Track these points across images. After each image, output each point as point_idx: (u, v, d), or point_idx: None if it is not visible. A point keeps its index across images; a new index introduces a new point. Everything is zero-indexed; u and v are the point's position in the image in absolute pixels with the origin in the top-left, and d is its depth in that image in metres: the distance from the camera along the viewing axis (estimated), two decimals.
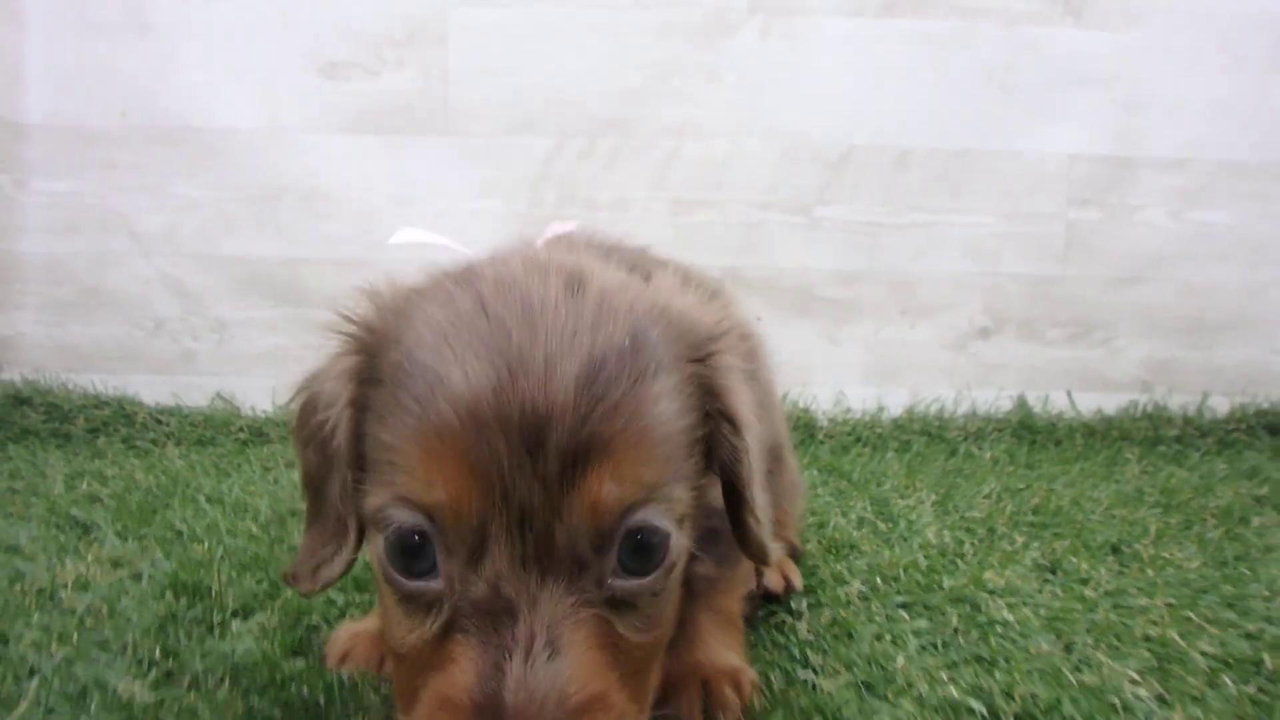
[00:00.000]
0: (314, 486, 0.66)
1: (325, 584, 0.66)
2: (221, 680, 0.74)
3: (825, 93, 2.27)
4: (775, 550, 0.72)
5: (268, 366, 2.28)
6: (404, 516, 0.53)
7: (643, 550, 0.55)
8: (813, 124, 2.28)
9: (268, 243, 2.24)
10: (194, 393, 2.24)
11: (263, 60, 2.19)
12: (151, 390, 2.21)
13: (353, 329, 0.63)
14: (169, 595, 0.93)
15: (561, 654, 0.50)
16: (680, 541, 0.58)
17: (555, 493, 0.51)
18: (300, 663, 0.78)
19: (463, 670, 0.50)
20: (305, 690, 0.72)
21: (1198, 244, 2.36)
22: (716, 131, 2.27)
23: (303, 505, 0.70)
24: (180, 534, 1.20)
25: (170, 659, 0.78)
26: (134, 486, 1.49)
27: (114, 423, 2.03)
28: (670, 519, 0.56)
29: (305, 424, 0.66)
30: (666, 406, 0.56)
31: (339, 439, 0.60)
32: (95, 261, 2.23)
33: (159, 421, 2.06)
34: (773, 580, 1.00)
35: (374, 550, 0.57)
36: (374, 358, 0.60)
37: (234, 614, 0.90)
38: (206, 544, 1.13)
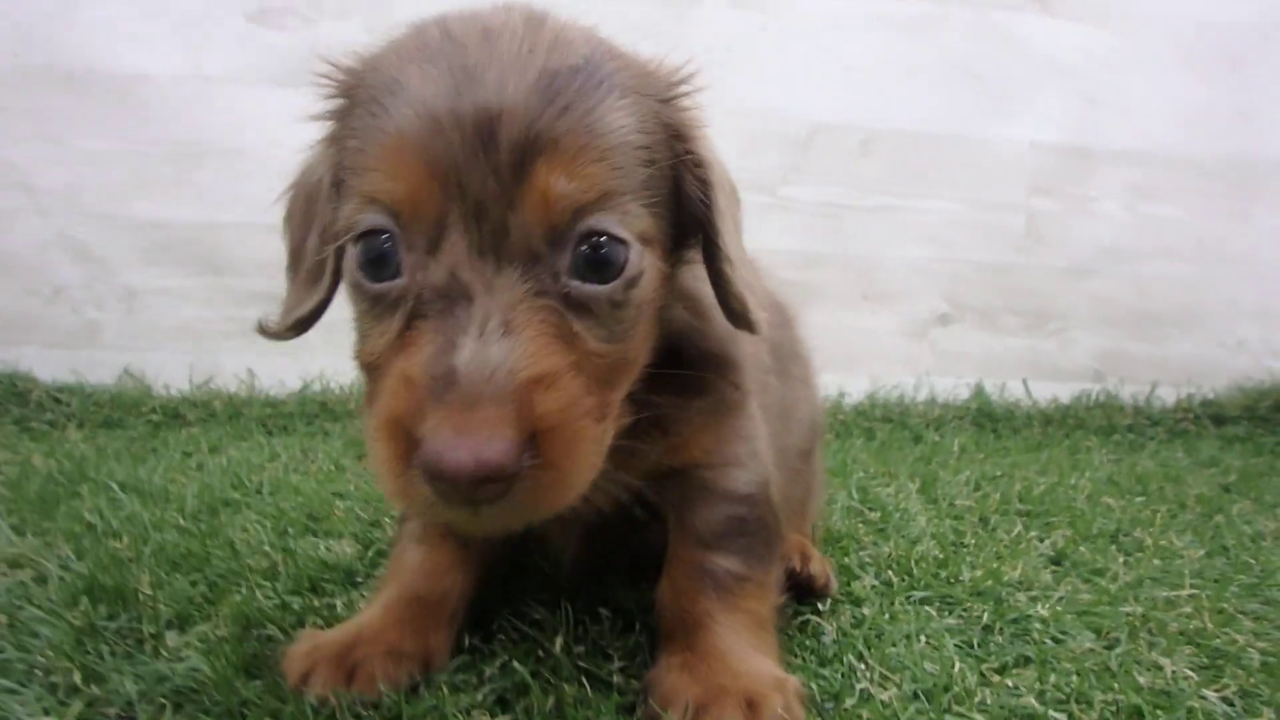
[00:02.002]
0: (296, 253, 0.70)
1: (295, 323, 0.69)
2: (163, 710, 0.59)
3: (793, 70, 2.21)
4: (758, 311, 0.69)
5: (184, 341, 2.06)
6: (370, 218, 0.56)
7: (601, 260, 0.57)
8: (779, 101, 2.21)
9: (185, 205, 2.02)
10: (98, 369, 2.00)
11: (182, 0, 1.96)
12: (48, 365, 1.96)
13: (334, 73, 0.64)
14: (85, 602, 0.76)
15: (515, 334, 0.52)
16: (642, 260, 0.59)
17: (508, 184, 0.53)
18: (259, 684, 0.64)
19: (420, 349, 0.53)
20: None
21: (1149, 238, 2.42)
22: None
23: (287, 279, 0.73)
24: (92, 527, 1.02)
25: (93, 684, 0.62)
26: (31, 472, 1.29)
27: (4, 401, 1.79)
28: (627, 230, 0.58)
29: (294, 198, 0.71)
30: (620, 120, 0.58)
31: (320, 175, 0.65)
32: None
33: (57, 400, 1.83)
34: (816, 569, 0.90)
35: (347, 268, 0.60)
36: (352, 89, 0.62)
37: (168, 624, 0.75)
38: (126, 539, 0.96)
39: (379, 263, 0.57)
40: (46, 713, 0.57)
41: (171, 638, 0.71)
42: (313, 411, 1.90)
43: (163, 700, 0.61)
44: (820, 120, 2.23)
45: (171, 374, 2.02)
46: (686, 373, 0.70)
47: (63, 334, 2.02)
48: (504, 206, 0.53)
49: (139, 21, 1.94)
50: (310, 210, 0.68)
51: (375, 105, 0.57)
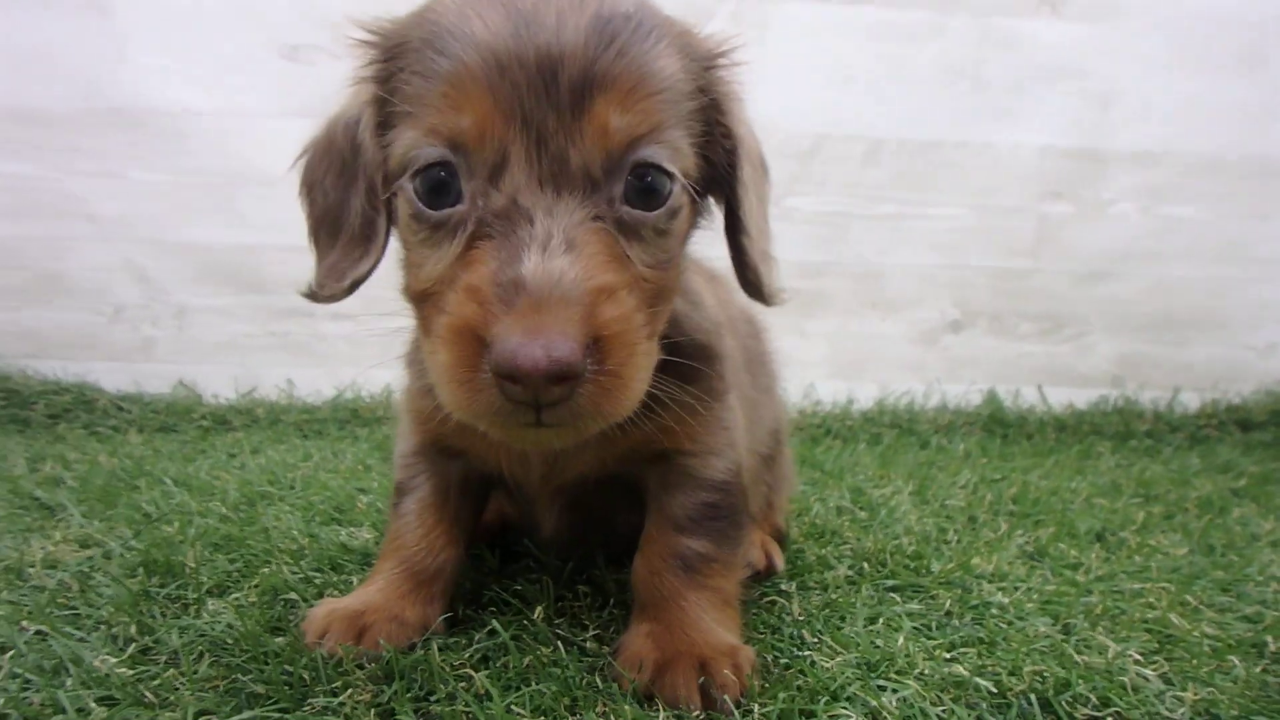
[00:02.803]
0: (329, 218, 0.72)
1: (354, 283, 0.70)
2: (201, 656, 0.71)
3: (797, 82, 2.24)
4: (774, 282, 0.75)
5: (229, 354, 2.22)
6: (431, 151, 0.61)
7: (649, 188, 0.63)
8: (783, 114, 2.25)
9: (228, 229, 2.17)
10: (155, 380, 2.17)
11: (222, 42, 2.12)
12: (112, 377, 2.13)
13: (371, 36, 0.68)
14: (141, 574, 0.89)
15: (576, 250, 0.57)
16: (682, 196, 0.65)
17: (568, 119, 0.59)
18: (281, 639, 0.75)
19: (485, 263, 0.57)
20: (288, 666, 0.69)
21: (1167, 240, 2.37)
22: None
23: (312, 249, 0.74)
24: (148, 515, 1.15)
25: (146, 635, 0.74)
26: (97, 470, 1.43)
27: (74, 409, 1.95)
28: (674, 165, 0.63)
29: (317, 164, 0.72)
30: (668, 65, 0.63)
31: (357, 133, 0.67)
32: (53, 246, 2.15)
33: (120, 408, 1.99)
34: (755, 555, 0.97)
35: (404, 202, 0.64)
36: (396, 48, 0.66)
37: (209, 592, 0.86)
38: (176, 525, 1.08)
39: (438, 191, 0.61)
40: (109, 655, 0.68)
41: (211, 603, 0.83)
42: (344, 417, 2.03)
43: (201, 650, 0.72)
44: (824, 130, 2.26)
45: (219, 384, 2.17)
46: (680, 361, 0.76)
47: (123, 349, 2.19)
48: (564, 139, 0.59)
49: (186, 64, 2.10)
50: (349, 169, 0.70)
51: (431, 50, 0.61)
